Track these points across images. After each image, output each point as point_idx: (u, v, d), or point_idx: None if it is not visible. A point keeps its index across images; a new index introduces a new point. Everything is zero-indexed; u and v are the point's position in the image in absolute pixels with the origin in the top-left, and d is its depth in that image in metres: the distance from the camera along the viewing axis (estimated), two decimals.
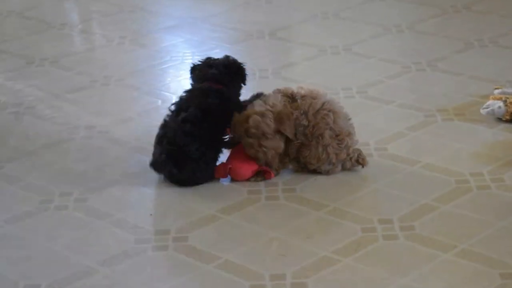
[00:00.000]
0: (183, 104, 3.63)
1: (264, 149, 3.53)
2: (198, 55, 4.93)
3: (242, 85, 3.78)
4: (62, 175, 3.72)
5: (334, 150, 3.57)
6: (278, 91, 3.65)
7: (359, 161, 3.63)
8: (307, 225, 3.29)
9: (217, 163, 3.63)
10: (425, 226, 3.23)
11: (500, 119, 4.00)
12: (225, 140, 3.66)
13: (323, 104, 3.59)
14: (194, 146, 3.52)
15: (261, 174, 3.61)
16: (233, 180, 3.61)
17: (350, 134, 3.62)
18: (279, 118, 3.52)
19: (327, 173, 3.62)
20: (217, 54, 3.99)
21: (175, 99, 3.87)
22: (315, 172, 3.63)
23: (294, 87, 3.69)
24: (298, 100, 3.59)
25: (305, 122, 3.57)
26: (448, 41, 5.07)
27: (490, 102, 4.05)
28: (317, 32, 5.35)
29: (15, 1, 6.22)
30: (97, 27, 5.70)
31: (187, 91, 3.72)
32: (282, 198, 3.49)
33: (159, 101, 4.40)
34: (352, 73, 4.69)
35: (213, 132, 3.58)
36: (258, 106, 3.54)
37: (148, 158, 3.77)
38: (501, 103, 3.99)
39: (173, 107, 3.65)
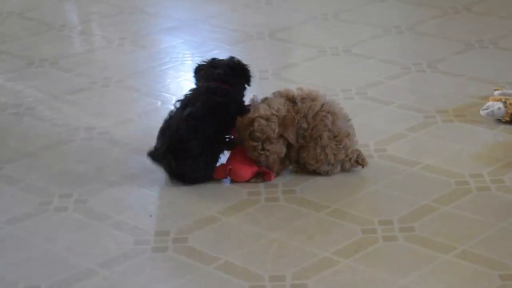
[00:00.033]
0: (189, 100, 3.63)
1: (267, 153, 3.53)
2: (198, 56, 4.93)
3: (247, 86, 3.79)
4: (62, 177, 3.72)
5: (332, 151, 3.57)
6: (279, 93, 3.65)
7: (359, 161, 3.63)
8: (307, 226, 3.29)
9: (217, 164, 3.63)
10: (425, 227, 3.23)
11: (500, 120, 4.00)
12: (226, 140, 3.66)
13: (322, 105, 3.59)
14: (196, 141, 3.52)
15: (261, 176, 3.61)
16: (232, 181, 3.61)
17: (349, 135, 3.62)
18: (284, 123, 3.52)
19: (326, 173, 3.62)
20: (217, 55, 3.99)
21: (175, 99, 3.86)
22: (315, 173, 3.63)
23: (293, 88, 3.70)
24: (298, 103, 3.59)
25: (305, 125, 3.58)
26: (448, 42, 5.07)
27: (489, 103, 4.05)
28: (317, 33, 5.36)
29: (15, 2, 6.23)
30: (97, 28, 5.70)
31: (193, 89, 3.72)
32: (282, 199, 3.49)
33: (159, 102, 4.40)
34: (352, 74, 4.69)
35: (216, 130, 3.58)
36: (263, 109, 3.54)
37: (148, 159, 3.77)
38: (500, 104, 3.99)
39: (178, 104, 3.65)
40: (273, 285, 2.94)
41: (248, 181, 3.60)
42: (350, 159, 3.62)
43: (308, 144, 3.58)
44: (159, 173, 3.68)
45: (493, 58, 4.82)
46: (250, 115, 3.54)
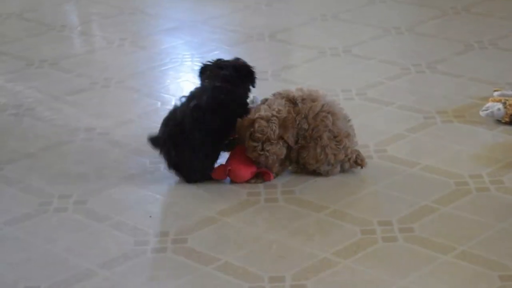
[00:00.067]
0: (195, 94, 3.65)
1: (267, 153, 3.54)
2: (198, 57, 4.94)
3: (251, 87, 3.80)
4: (62, 177, 3.72)
5: (332, 151, 3.57)
6: (279, 94, 3.65)
7: (358, 162, 3.63)
8: (307, 227, 3.29)
9: (217, 162, 3.64)
10: (425, 228, 3.23)
11: (499, 121, 4.00)
12: (228, 140, 3.67)
13: (322, 106, 3.60)
14: (198, 133, 3.53)
15: (261, 176, 3.61)
16: (232, 182, 3.61)
17: (348, 135, 3.63)
18: (284, 125, 3.53)
19: (326, 174, 3.62)
20: (217, 56, 4.00)
21: (174, 101, 3.86)
22: (314, 173, 3.63)
23: (293, 89, 3.70)
24: (299, 104, 3.59)
25: (305, 126, 3.58)
26: (448, 43, 5.07)
27: (489, 104, 4.05)
28: (317, 34, 5.36)
29: (15, 3, 6.23)
30: (97, 29, 5.70)
31: (199, 87, 3.73)
32: (282, 200, 3.49)
33: (159, 103, 4.40)
34: (352, 74, 4.69)
35: (220, 127, 3.58)
36: (263, 110, 3.55)
37: (147, 160, 3.78)
38: (500, 105, 3.99)
39: (183, 99, 3.66)
40: (272, 286, 2.94)
41: (248, 181, 3.60)
42: (349, 159, 3.62)
43: (309, 144, 3.59)
44: (159, 174, 3.69)
45: (493, 59, 4.82)
46: (251, 116, 3.55)
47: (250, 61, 3.87)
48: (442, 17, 5.54)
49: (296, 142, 3.59)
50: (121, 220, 3.37)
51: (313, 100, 3.61)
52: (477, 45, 5.00)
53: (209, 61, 3.82)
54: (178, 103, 3.66)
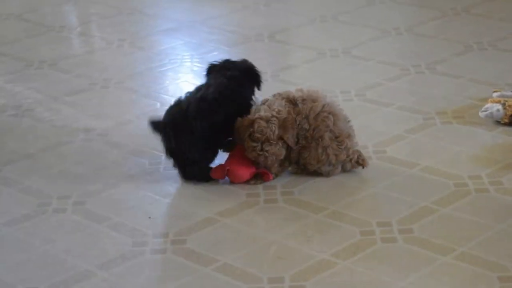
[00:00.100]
0: (203, 87, 3.66)
1: (266, 154, 3.53)
2: (197, 57, 4.94)
3: (256, 89, 3.80)
4: (61, 178, 3.72)
5: (333, 151, 3.57)
6: (279, 95, 3.65)
7: (359, 162, 3.63)
8: (306, 228, 3.28)
9: (216, 160, 3.63)
10: (424, 229, 3.23)
11: (498, 122, 4.00)
12: (225, 142, 3.67)
13: (323, 106, 3.60)
14: (201, 123, 3.53)
15: (260, 177, 3.61)
16: (231, 182, 3.61)
17: (349, 136, 3.63)
18: (284, 126, 3.53)
19: (327, 174, 3.62)
20: (216, 56, 4.01)
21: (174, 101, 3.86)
22: (314, 174, 3.63)
23: (292, 89, 3.70)
24: (299, 105, 3.59)
25: (306, 126, 3.58)
26: (447, 44, 5.07)
27: (488, 105, 4.05)
28: (316, 35, 5.36)
29: (14, 4, 6.23)
30: (96, 29, 5.70)
31: (207, 82, 3.74)
32: (281, 201, 3.48)
33: (158, 104, 4.40)
34: (351, 75, 4.69)
35: (224, 122, 3.58)
36: (263, 111, 3.55)
37: (147, 160, 3.77)
38: (499, 106, 3.99)
39: (188, 94, 3.66)
40: (271, 287, 2.94)
41: (247, 182, 3.60)
42: (351, 159, 3.62)
43: (310, 145, 3.59)
44: (158, 174, 3.69)
45: (492, 60, 4.82)
46: (251, 116, 3.55)
47: None
48: (442, 18, 5.54)
49: (297, 142, 3.59)
50: (120, 221, 3.37)
51: (314, 100, 3.62)
52: (476, 46, 5.00)
53: (216, 61, 3.83)
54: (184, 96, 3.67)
